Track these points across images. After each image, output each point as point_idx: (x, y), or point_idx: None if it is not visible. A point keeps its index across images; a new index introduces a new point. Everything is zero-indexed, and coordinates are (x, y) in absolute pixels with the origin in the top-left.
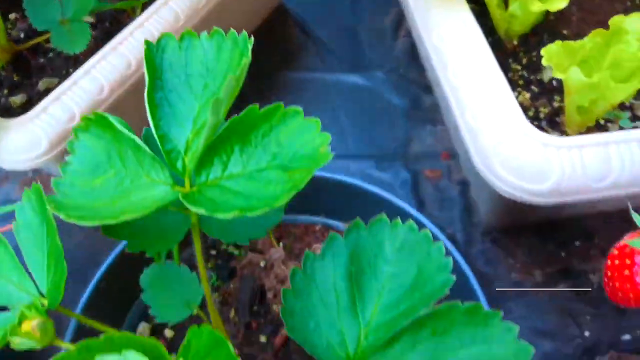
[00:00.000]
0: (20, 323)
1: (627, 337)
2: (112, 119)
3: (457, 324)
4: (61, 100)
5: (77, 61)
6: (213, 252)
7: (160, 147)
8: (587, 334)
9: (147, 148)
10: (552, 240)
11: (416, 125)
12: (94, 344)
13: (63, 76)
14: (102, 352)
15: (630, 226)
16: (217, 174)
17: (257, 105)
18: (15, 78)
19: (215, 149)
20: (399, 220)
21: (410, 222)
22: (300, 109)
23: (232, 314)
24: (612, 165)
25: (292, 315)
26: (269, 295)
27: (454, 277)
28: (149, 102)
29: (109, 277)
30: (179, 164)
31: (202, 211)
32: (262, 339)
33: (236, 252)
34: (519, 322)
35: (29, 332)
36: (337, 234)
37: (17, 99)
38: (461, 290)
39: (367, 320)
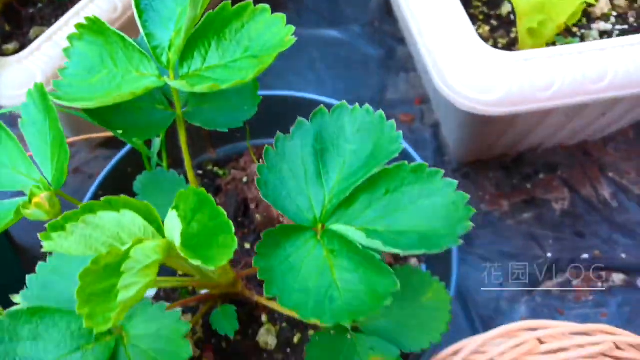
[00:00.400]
0: (31, 198)
1: (585, 255)
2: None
3: (406, 183)
4: (53, 40)
5: (65, 10)
6: (200, 172)
7: (147, 44)
8: (549, 255)
9: (135, 45)
10: (517, 174)
11: (391, 74)
12: (96, 204)
13: (53, 24)
14: (103, 210)
15: (588, 158)
16: (197, 66)
17: (229, 2)
18: (7, 28)
19: (195, 44)
20: (357, 105)
21: (367, 105)
22: (267, 6)
23: None
24: (554, 76)
25: (267, 185)
26: (252, 206)
27: (403, 145)
28: (136, 6)
29: (105, 188)
30: (164, 58)
31: (183, 85)
32: (247, 245)
33: (221, 172)
34: (488, 247)
35: (39, 204)
36: (304, 119)
37: (10, 47)
38: None
39: (331, 187)
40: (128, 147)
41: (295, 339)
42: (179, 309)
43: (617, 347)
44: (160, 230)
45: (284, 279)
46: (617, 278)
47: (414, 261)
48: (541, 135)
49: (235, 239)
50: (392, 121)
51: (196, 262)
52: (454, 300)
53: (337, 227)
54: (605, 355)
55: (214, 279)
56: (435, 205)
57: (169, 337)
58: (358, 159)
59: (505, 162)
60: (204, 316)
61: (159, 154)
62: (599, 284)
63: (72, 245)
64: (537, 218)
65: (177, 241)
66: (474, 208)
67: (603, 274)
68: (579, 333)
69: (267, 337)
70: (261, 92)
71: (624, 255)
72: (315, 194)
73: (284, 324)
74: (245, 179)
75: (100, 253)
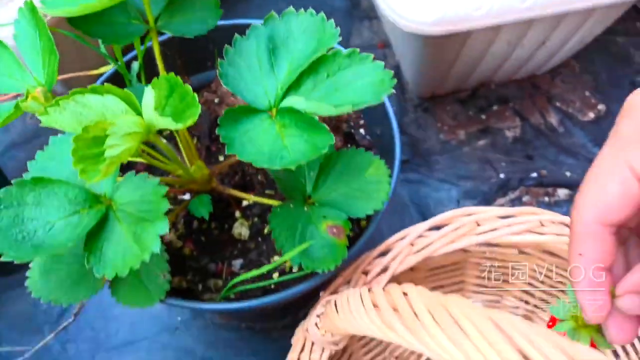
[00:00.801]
0: (27, 95)
1: (534, 174)
2: None
3: (343, 67)
4: None
5: None
6: None
7: None
8: (501, 175)
9: None
10: (473, 106)
11: (355, 22)
12: (83, 89)
13: None
14: (90, 94)
15: (537, 91)
16: None
17: None
18: None
19: None
20: (302, 10)
21: (310, 9)
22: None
23: (195, 141)
24: None
25: (227, 77)
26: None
27: (339, 37)
28: None
29: None
30: None
31: None
32: (220, 157)
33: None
34: (446, 171)
35: (35, 97)
36: (257, 24)
37: None
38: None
39: (282, 78)
40: (110, 71)
41: (265, 230)
42: (157, 178)
43: (542, 224)
44: (139, 113)
45: (243, 146)
46: (562, 193)
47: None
48: (489, 67)
49: (200, 106)
50: (332, 20)
51: (168, 122)
52: (414, 214)
53: (287, 101)
54: (531, 232)
55: (191, 174)
56: (367, 83)
57: (151, 199)
58: (304, 54)
59: (462, 97)
60: (184, 216)
61: (138, 76)
62: (546, 199)
63: (65, 120)
64: (491, 144)
65: (154, 115)
66: (434, 138)
67: (550, 190)
68: (509, 215)
69: (240, 229)
70: (228, 22)
71: (568, 174)
72: (269, 84)
73: (256, 219)
74: (216, 100)
75: (90, 124)
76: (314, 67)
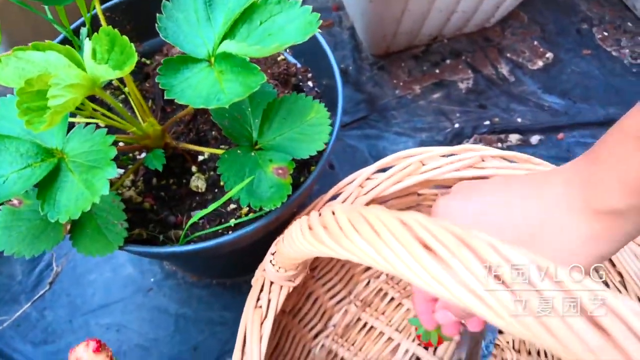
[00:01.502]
0: None
1: (486, 122)
2: None
3: (274, 14)
4: None
5: None
6: None
7: None
8: (456, 125)
9: None
10: (427, 62)
11: None
12: (25, 47)
13: None
14: (32, 50)
15: (489, 43)
16: None
17: None
18: None
19: None
20: None
21: None
22: None
23: (150, 103)
24: None
25: (166, 30)
26: None
27: None
28: None
29: None
30: None
31: None
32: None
33: (148, 61)
34: (402, 125)
35: None
36: None
37: None
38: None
39: (218, 29)
40: (60, 37)
41: (222, 182)
42: (104, 129)
43: (482, 159)
44: (83, 69)
45: (183, 91)
46: (514, 138)
47: None
48: (437, 21)
49: (136, 54)
50: None
51: (107, 71)
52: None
53: (222, 47)
54: (473, 167)
55: (144, 130)
56: (297, 26)
57: (99, 149)
58: (239, 4)
59: (415, 53)
60: (144, 174)
61: None
62: (499, 145)
63: (8, 76)
64: (445, 97)
65: (94, 66)
66: (390, 94)
67: (502, 136)
68: (452, 153)
69: (197, 182)
70: None
71: (519, 120)
72: (206, 35)
73: (212, 173)
74: None
75: (33, 77)
76: (247, 15)
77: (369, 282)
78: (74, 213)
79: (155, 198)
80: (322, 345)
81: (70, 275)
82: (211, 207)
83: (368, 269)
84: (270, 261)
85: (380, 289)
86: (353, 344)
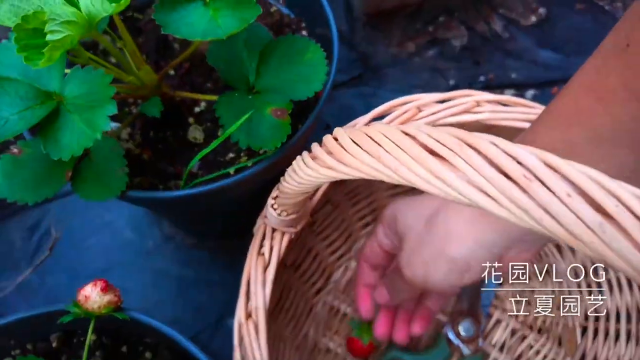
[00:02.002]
0: None
1: (481, 79)
2: None
3: None
4: None
5: None
6: (122, 17)
7: None
8: (451, 82)
9: None
10: (420, 20)
11: None
12: None
13: None
14: None
15: (482, 0)
16: None
17: None
18: None
19: None
20: None
21: None
22: None
23: (145, 58)
24: None
25: None
26: (170, 38)
27: None
28: None
29: None
30: None
31: None
32: (171, 72)
33: (140, 16)
34: (398, 82)
35: None
36: None
37: None
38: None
39: None
40: None
41: (219, 132)
42: (102, 69)
43: (478, 104)
44: (77, 8)
45: (179, 28)
46: (509, 93)
47: None
48: None
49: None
50: None
51: (103, 5)
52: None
53: None
54: (469, 112)
55: (140, 78)
56: None
57: (98, 90)
58: None
59: (408, 12)
60: (141, 128)
61: None
62: None
63: (4, 14)
64: (440, 54)
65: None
66: (384, 53)
67: (497, 92)
68: (447, 99)
69: (195, 133)
70: None
71: (514, 75)
72: None
73: (209, 124)
74: None
75: (29, 14)
76: None
77: None
78: (77, 150)
79: (154, 150)
80: (324, 303)
81: (69, 241)
82: (213, 145)
83: (367, 225)
84: (272, 205)
85: None
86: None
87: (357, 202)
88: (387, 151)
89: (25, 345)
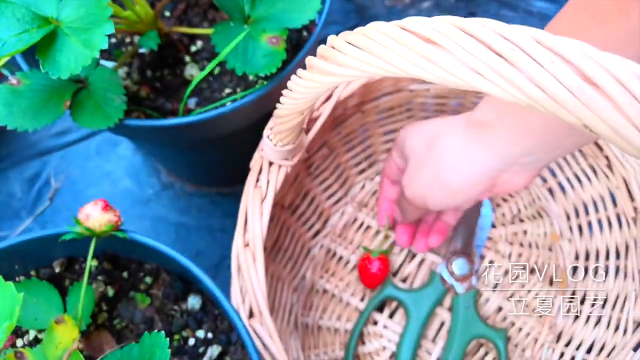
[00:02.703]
0: None
1: None
2: None
3: None
4: None
5: None
6: None
7: None
8: None
9: None
10: None
11: None
12: None
13: None
14: None
15: None
16: None
17: None
18: None
19: None
20: None
21: None
22: None
23: None
24: None
25: None
26: None
27: None
28: None
29: None
30: None
31: None
32: (167, 13)
33: None
34: None
35: None
36: None
37: None
38: None
39: None
40: None
41: (216, 71)
42: None
43: None
44: None
45: None
46: None
47: None
48: None
49: None
50: None
51: None
52: None
53: None
54: None
55: (137, 12)
56: None
57: (95, 11)
58: None
59: None
60: (138, 67)
61: None
62: None
63: None
64: (435, 6)
65: None
66: (379, 4)
67: None
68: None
69: (192, 71)
70: None
71: None
72: None
73: (205, 62)
74: None
75: None
76: None
77: (364, 185)
78: (75, 69)
79: (151, 88)
80: (321, 246)
81: (69, 191)
82: (209, 66)
83: (363, 171)
84: (268, 136)
85: (376, 191)
86: (351, 243)
87: (352, 148)
88: (380, 44)
89: (29, 272)
